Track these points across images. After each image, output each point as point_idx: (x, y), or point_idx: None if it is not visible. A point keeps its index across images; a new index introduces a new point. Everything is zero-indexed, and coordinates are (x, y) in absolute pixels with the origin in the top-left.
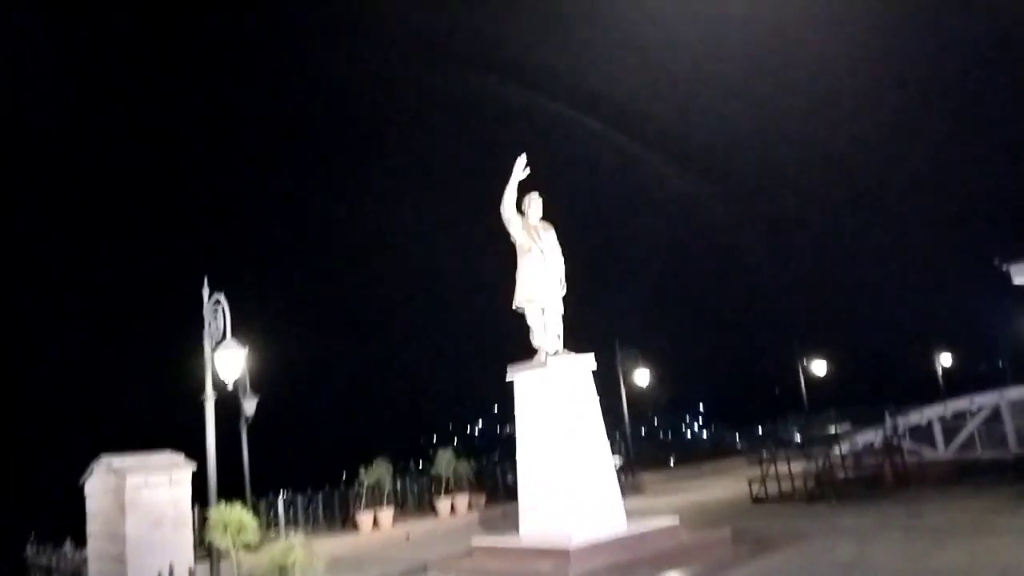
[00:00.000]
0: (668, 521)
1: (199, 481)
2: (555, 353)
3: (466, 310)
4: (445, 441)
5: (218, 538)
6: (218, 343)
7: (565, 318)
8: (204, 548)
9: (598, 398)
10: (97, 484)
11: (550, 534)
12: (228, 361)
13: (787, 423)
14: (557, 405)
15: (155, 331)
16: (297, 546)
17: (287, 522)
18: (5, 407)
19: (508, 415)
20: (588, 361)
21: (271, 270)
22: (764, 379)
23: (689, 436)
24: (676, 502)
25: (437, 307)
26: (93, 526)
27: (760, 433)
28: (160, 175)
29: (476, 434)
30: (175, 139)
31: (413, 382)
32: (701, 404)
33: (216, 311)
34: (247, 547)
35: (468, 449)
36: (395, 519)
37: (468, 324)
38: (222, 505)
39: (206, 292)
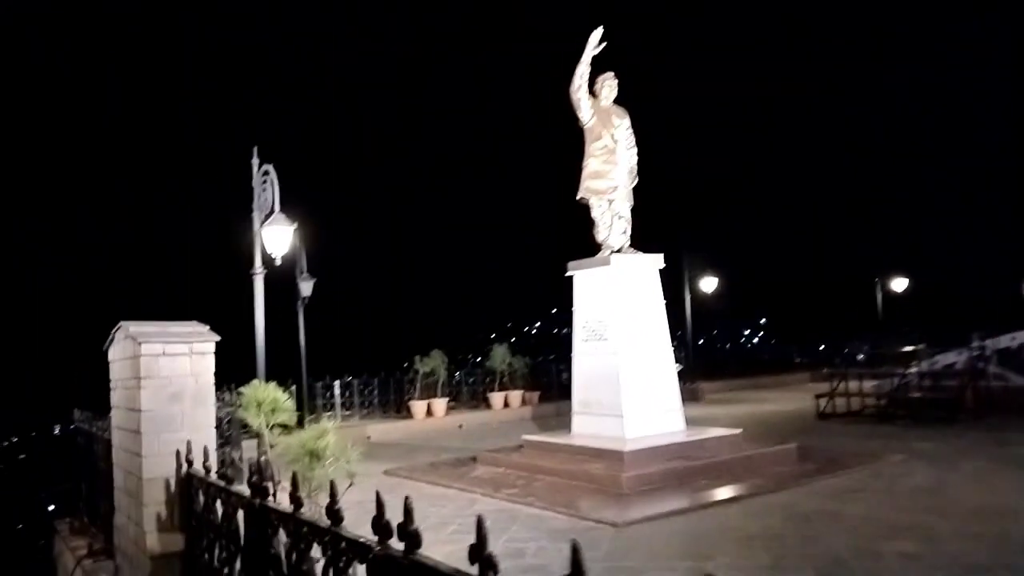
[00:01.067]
0: (729, 431)
1: (249, 360)
2: (620, 250)
3: (526, 201)
4: (502, 338)
5: (250, 417)
6: (267, 217)
7: (633, 212)
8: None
9: (663, 299)
10: (117, 351)
11: (604, 434)
12: (277, 236)
13: (857, 340)
14: (619, 304)
15: (204, 202)
16: (330, 430)
17: (342, 406)
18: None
19: (565, 317)
20: (655, 260)
21: (331, 149)
22: (837, 294)
23: (752, 347)
24: (736, 413)
25: (499, 196)
26: (114, 396)
27: (826, 348)
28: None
29: (533, 333)
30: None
31: (471, 274)
32: (764, 317)
33: (265, 183)
34: (283, 428)
35: (524, 347)
36: (448, 409)
37: (529, 216)
38: (256, 382)
39: (255, 163)
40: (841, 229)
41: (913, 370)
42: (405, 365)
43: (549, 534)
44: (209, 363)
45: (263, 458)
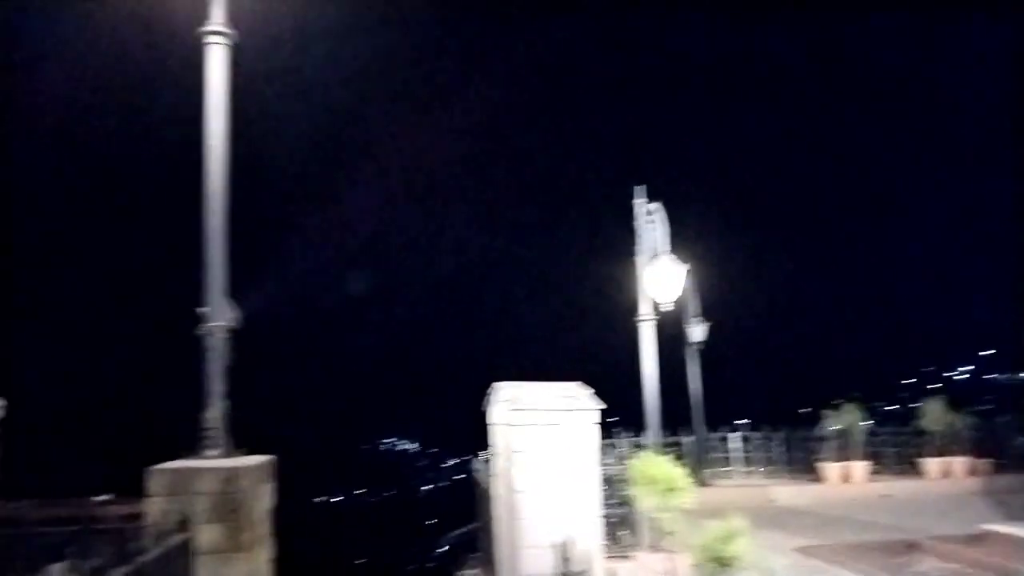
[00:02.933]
0: None
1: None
2: None
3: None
4: (927, 386)
5: (640, 495)
6: (652, 258)
7: None
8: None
9: None
10: (495, 414)
11: None
12: (663, 279)
13: None
14: None
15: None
16: (740, 534)
17: (741, 461)
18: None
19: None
20: None
21: (713, 184)
22: None
23: None
24: None
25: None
26: (496, 463)
27: None
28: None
29: (957, 379)
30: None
31: (890, 313)
32: None
33: (652, 222)
34: (676, 510)
35: (958, 398)
36: (869, 475)
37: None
38: (646, 454)
39: (640, 201)
40: None
41: None
42: (810, 419)
43: None
44: (593, 436)
45: None
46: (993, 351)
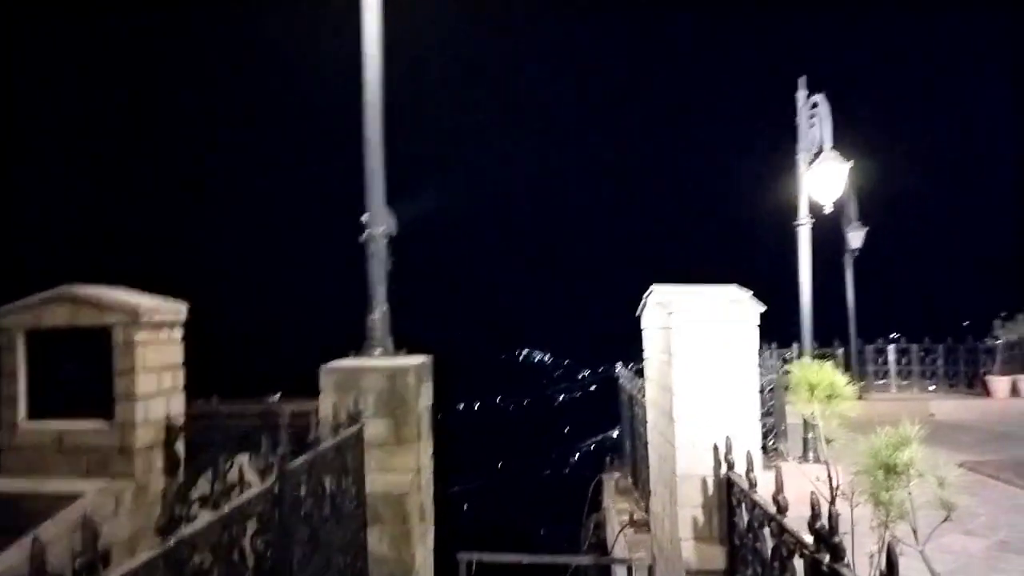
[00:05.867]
0: None
1: (786, 318)
2: None
3: None
4: None
5: (799, 403)
6: (815, 157)
7: None
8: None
9: None
10: (649, 318)
11: None
12: (825, 179)
13: None
14: None
15: (738, 140)
16: (911, 442)
17: (898, 375)
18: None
19: None
20: None
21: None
22: None
23: None
24: None
25: None
26: (648, 368)
27: None
28: None
29: None
30: None
31: None
32: None
33: (813, 118)
34: (839, 418)
35: None
36: None
37: None
38: (805, 360)
39: (802, 95)
40: None
41: None
42: (973, 330)
43: None
44: (753, 339)
45: (834, 494)
46: None
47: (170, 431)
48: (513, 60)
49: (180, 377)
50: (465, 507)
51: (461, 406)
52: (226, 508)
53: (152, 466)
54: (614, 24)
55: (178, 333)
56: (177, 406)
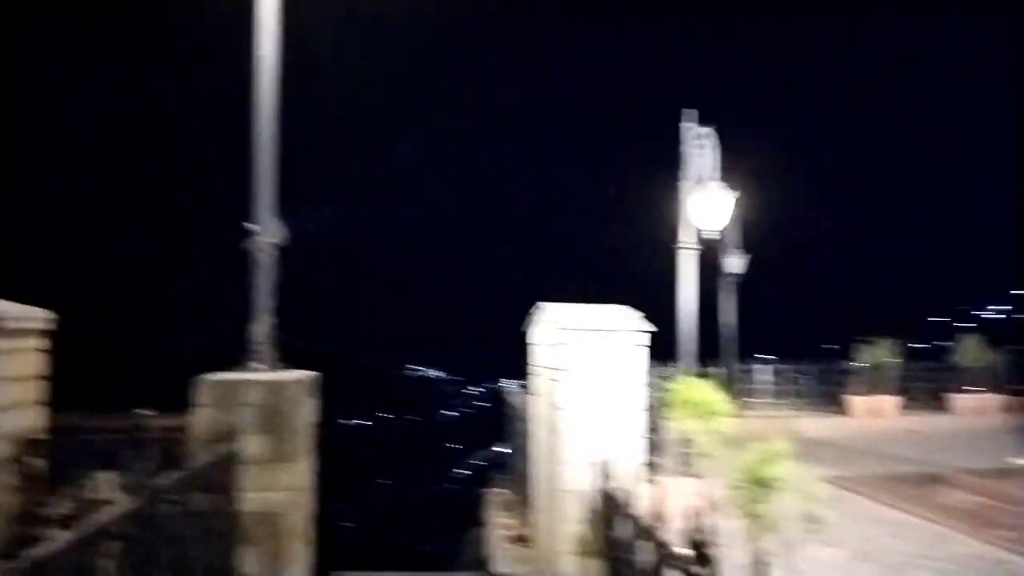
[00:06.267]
0: None
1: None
2: None
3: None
4: (958, 323)
5: (678, 419)
6: (700, 185)
7: None
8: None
9: None
10: (538, 335)
11: None
12: (710, 207)
13: None
14: None
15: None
16: (781, 458)
17: (772, 394)
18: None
19: None
20: None
21: (770, 108)
22: None
23: None
24: None
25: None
26: (535, 383)
27: None
28: None
29: (1004, 319)
30: None
31: (926, 247)
32: None
33: (702, 147)
34: (715, 434)
35: (992, 336)
36: (888, 408)
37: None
38: (686, 378)
39: (689, 124)
40: None
41: None
42: (840, 354)
43: None
44: (641, 358)
45: (710, 508)
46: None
47: (26, 446)
48: (401, 78)
49: (39, 389)
50: (351, 525)
51: (350, 422)
52: (86, 528)
53: (2, 483)
54: (507, 50)
55: (38, 343)
56: (34, 420)
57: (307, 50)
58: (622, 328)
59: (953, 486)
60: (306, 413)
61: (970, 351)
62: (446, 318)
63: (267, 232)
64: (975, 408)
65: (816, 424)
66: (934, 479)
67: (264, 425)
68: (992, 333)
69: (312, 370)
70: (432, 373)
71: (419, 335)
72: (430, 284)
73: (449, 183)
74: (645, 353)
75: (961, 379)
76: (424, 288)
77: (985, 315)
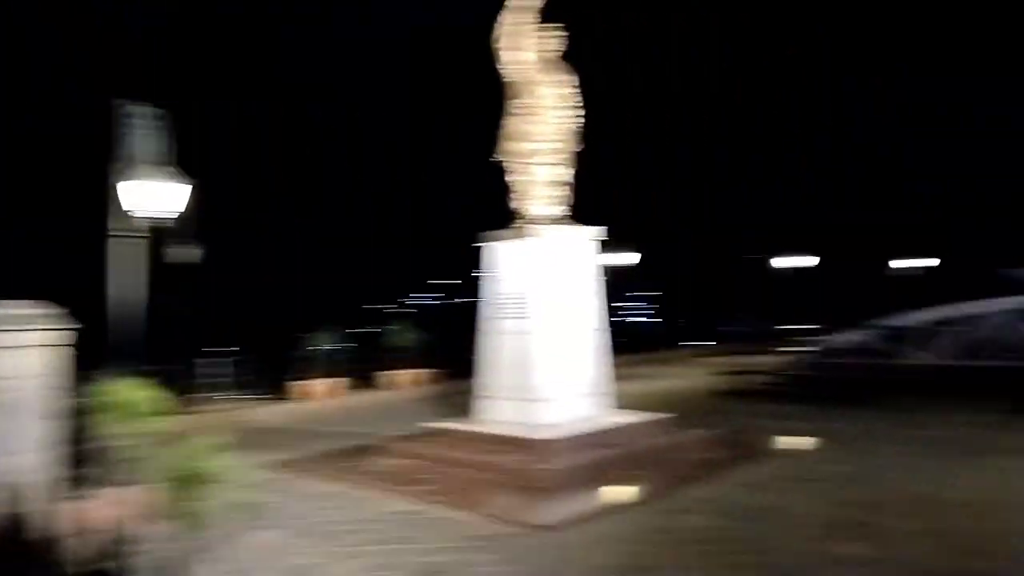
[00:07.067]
0: (656, 415)
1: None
2: (546, 220)
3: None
4: (403, 310)
5: (112, 424)
6: (134, 169)
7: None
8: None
9: (600, 275)
10: None
11: (515, 422)
12: (155, 194)
13: (748, 318)
14: (539, 279)
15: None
16: (217, 450)
17: (227, 386)
18: None
19: (471, 286)
20: (589, 232)
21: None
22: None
23: (636, 323)
24: (631, 391)
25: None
26: None
27: (711, 325)
28: None
29: (440, 304)
30: None
31: (369, 244)
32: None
33: (131, 127)
34: (147, 436)
35: (424, 320)
36: (335, 390)
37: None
38: (120, 380)
39: (123, 102)
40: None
41: (816, 348)
42: (289, 343)
43: (468, 543)
44: (63, 360)
45: (136, 515)
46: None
47: None
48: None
49: None
50: None
51: None
52: None
53: None
54: None
55: None
56: None
57: None
58: (39, 324)
59: (378, 453)
60: None
61: (397, 334)
62: None
63: None
64: (406, 383)
65: (269, 412)
66: (369, 449)
67: None
68: (424, 318)
69: None
70: None
71: None
72: None
73: None
74: (67, 356)
75: (394, 358)
76: None
77: (422, 302)
